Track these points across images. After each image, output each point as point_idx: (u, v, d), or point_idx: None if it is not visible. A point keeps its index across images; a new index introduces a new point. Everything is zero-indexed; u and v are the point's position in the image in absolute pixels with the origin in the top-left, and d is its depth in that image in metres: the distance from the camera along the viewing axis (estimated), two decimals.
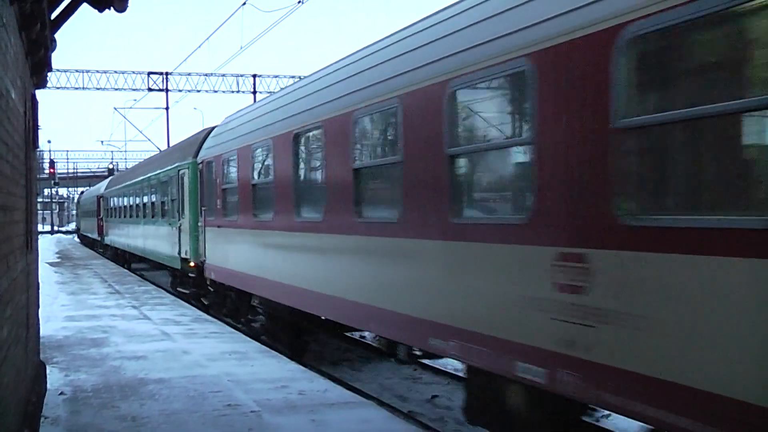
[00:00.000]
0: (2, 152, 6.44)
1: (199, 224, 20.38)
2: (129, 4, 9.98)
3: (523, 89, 7.22)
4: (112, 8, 10.09)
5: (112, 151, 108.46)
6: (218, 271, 18.42)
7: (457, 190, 8.35)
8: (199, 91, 60.50)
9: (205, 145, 20.41)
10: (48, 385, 11.36)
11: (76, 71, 58.41)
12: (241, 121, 17.27)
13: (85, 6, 10.59)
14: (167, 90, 59.60)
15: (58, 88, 58.12)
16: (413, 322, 9.18)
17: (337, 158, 11.17)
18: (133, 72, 59.91)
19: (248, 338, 15.91)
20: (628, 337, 5.93)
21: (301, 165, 12.87)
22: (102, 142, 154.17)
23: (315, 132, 12.12)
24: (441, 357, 10.42)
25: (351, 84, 10.98)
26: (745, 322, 4.92)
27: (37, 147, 12.50)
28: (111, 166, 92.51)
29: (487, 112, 8.30)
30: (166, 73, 59.59)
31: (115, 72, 59.56)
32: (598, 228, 6.22)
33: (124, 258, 39.09)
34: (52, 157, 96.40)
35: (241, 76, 60.89)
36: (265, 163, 14.67)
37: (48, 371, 12.11)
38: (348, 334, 15.32)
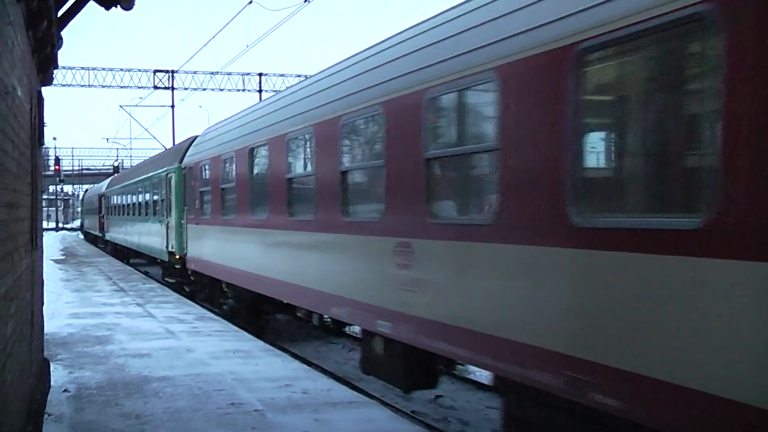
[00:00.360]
0: (8, 149, 6.46)
1: (182, 221, 23.38)
2: (136, 2, 10.00)
3: (380, 127, 10.06)
4: (118, 6, 10.10)
5: (117, 149, 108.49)
6: (196, 262, 21.63)
7: (345, 197, 11.07)
8: (204, 89, 60.57)
9: (188, 153, 23.48)
10: (52, 383, 11.38)
11: (82, 69, 58.54)
12: (214, 134, 20.57)
13: (91, 4, 10.61)
14: (173, 88, 59.65)
15: (64, 85, 58.23)
16: (322, 296, 12.00)
17: (277, 170, 14.09)
18: (139, 70, 60.04)
19: (252, 337, 15.94)
20: (432, 297, 8.79)
21: (254, 173, 15.79)
22: (107, 139, 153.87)
23: (263, 148, 15.02)
24: (348, 324, 13.66)
25: (286, 112, 14.00)
26: (487, 280, 7.84)
27: (43, 144, 12.52)
28: (116, 164, 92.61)
29: (361, 140, 11.21)
30: (172, 71, 59.65)
31: (121, 70, 59.70)
32: (417, 225, 9.02)
33: (123, 253, 41.69)
34: (57, 155, 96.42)
35: (247, 74, 60.96)
36: (229, 171, 17.66)
37: (52, 368, 12.13)
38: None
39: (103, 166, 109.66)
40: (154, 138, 64.96)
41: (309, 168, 12.56)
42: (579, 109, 6.52)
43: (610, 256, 6.15)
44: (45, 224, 38.12)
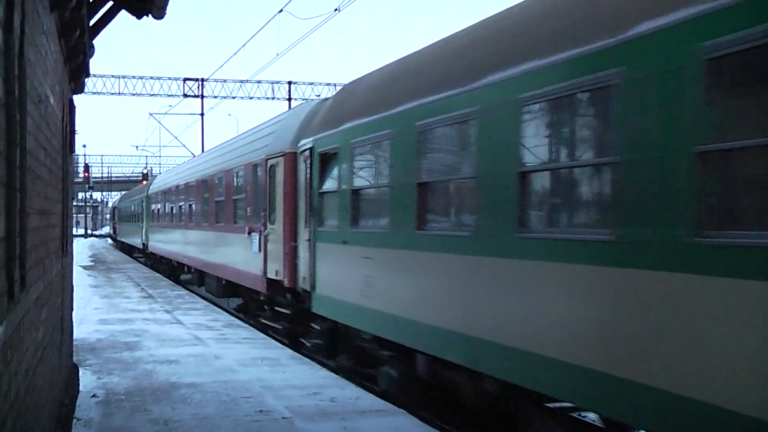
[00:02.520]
0: (40, 157, 6.51)
1: (148, 226, 42.08)
2: (167, 11, 10.06)
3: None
4: (150, 15, 10.17)
5: (146, 156, 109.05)
6: (151, 246, 40.98)
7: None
8: (234, 97, 60.85)
9: (150, 187, 42.93)
10: (81, 388, 11.46)
11: (113, 77, 58.97)
12: (160, 178, 40.75)
13: (123, 13, 10.69)
14: (202, 96, 59.97)
15: (94, 93, 58.65)
16: (186, 258, 29.14)
17: (170, 202, 33.06)
18: (169, 78, 60.39)
19: (280, 345, 15.97)
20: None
21: (165, 203, 34.72)
22: (137, 147, 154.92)
23: (168, 191, 34.40)
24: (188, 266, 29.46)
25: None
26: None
27: (74, 152, 12.61)
28: (145, 171, 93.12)
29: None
30: (202, 80, 59.96)
31: (151, 78, 60.07)
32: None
33: (129, 249, 58.52)
34: (86, 162, 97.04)
35: (277, 82, 61.16)
36: (158, 199, 37.37)
37: (81, 374, 12.22)
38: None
39: (132, 173, 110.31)
40: (183, 146, 65.55)
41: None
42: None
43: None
44: (74, 231, 40.10)
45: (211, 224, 23.75)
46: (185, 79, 60.11)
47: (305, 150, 14.48)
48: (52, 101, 7.60)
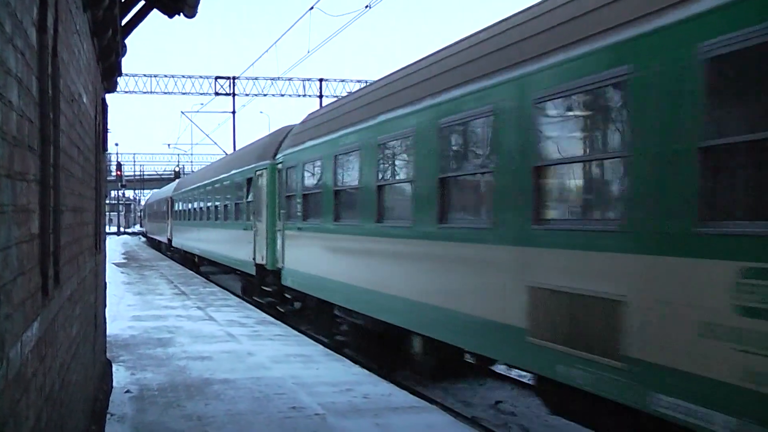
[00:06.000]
0: (74, 155, 6.56)
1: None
2: (198, 10, 10.11)
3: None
4: (181, 14, 10.22)
5: (178, 155, 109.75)
6: (147, 231, 78.31)
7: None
8: (265, 95, 60.95)
9: (148, 200, 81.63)
10: (114, 383, 11.53)
11: (145, 75, 59.36)
12: (150, 198, 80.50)
13: (155, 12, 10.75)
14: (234, 94, 60.19)
15: (126, 92, 59.05)
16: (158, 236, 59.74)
17: (157, 208, 63.40)
18: (201, 76, 60.65)
19: (313, 341, 16.00)
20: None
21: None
22: (169, 145, 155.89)
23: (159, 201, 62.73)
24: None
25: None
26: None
27: (107, 150, 12.70)
28: (177, 169, 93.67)
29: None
30: (233, 78, 60.16)
31: (183, 76, 60.36)
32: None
33: (154, 241, 73.71)
34: (119, 160, 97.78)
35: (308, 80, 61.17)
36: (157, 208, 63.86)
37: (114, 370, 12.29)
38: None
39: (164, 171, 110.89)
40: (215, 144, 66.22)
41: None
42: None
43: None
44: (107, 228, 43.07)
45: (159, 219, 56.41)
46: (217, 78, 60.37)
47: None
48: (85, 100, 7.65)
